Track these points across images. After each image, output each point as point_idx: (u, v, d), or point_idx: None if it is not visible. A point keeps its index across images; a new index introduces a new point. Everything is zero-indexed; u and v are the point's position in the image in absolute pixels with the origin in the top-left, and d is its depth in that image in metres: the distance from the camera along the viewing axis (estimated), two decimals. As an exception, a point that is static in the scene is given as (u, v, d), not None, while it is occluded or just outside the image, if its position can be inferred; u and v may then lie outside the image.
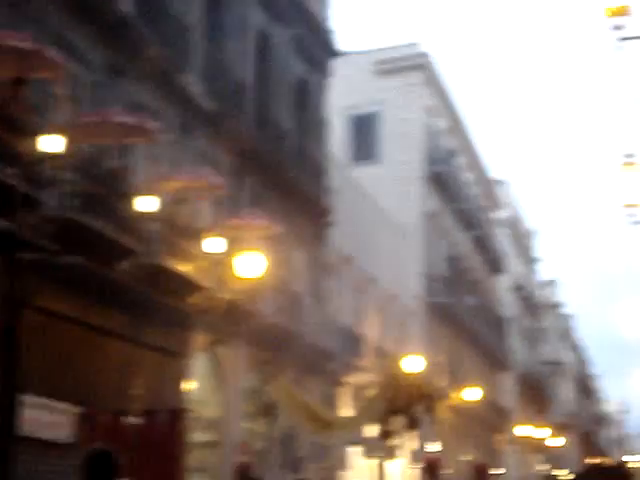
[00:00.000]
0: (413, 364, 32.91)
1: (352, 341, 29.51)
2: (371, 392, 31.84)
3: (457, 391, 39.22)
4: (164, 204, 17.91)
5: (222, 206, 21.98)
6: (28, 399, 14.86)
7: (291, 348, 24.06)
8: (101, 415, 11.85)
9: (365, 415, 14.51)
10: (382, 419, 14.01)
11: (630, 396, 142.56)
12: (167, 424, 11.41)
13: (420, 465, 27.70)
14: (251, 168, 23.25)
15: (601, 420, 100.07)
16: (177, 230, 18.07)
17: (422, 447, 30.12)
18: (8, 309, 14.50)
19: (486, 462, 44.63)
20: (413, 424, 14.94)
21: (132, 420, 11.16)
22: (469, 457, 44.63)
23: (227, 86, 22.37)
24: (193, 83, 20.74)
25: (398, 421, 14.75)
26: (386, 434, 14.15)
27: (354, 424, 14.82)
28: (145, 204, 16.62)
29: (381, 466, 27.31)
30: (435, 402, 15.77)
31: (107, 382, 16.77)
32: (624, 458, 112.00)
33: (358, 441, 15.24)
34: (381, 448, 15.99)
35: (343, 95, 37.64)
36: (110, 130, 15.90)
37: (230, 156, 22.47)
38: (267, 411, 14.77)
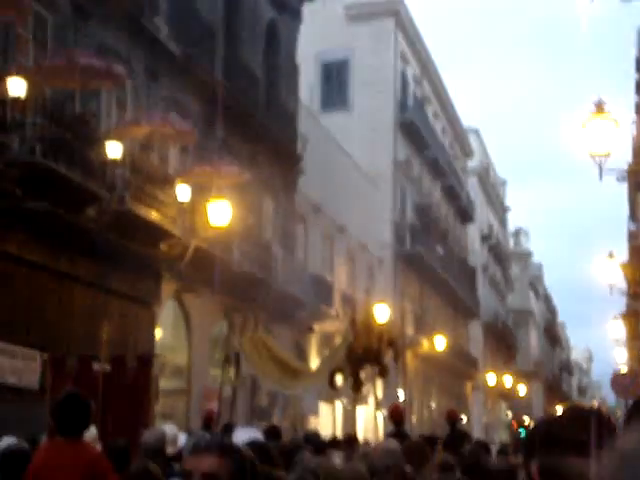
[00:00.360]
0: (381, 312, 33.15)
1: (321, 289, 29.52)
2: (339, 340, 32.05)
3: (425, 339, 39.48)
4: (131, 150, 17.74)
5: (190, 153, 21.80)
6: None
7: (260, 296, 24.03)
8: (69, 361, 11.78)
9: (333, 364, 14.43)
10: (352, 368, 13.95)
11: (595, 345, 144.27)
12: (135, 370, 11.34)
13: (385, 412, 27.96)
14: (220, 114, 23.01)
15: (566, 368, 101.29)
16: (145, 177, 17.87)
17: (390, 394, 30.35)
18: (-27, 255, 14.37)
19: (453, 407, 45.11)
20: (383, 372, 14.89)
21: (100, 366, 11.09)
22: (436, 404, 45.11)
23: (196, 30, 22.05)
24: (161, 27, 20.42)
25: (368, 370, 14.71)
26: (357, 383, 14.13)
27: (323, 373, 14.75)
28: (112, 150, 16.42)
29: (353, 412, 27.51)
30: (403, 350, 15.71)
31: (74, 329, 16.71)
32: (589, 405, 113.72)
33: (326, 389, 15.31)
34: (349, 395, 15.94)
35: (314, 41, 37.27)
36: (76, 74, 15.64)
37: (199, 102, 22.22)
38: (236, 360, 14.65)
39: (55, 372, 11.42)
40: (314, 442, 11.18)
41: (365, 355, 14.06)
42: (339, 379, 14.51)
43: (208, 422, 13.64)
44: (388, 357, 15.44)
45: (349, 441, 11.74)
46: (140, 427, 10.48)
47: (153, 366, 12.60)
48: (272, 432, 10.29)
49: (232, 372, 14.98)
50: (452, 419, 15.00)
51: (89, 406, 6.29)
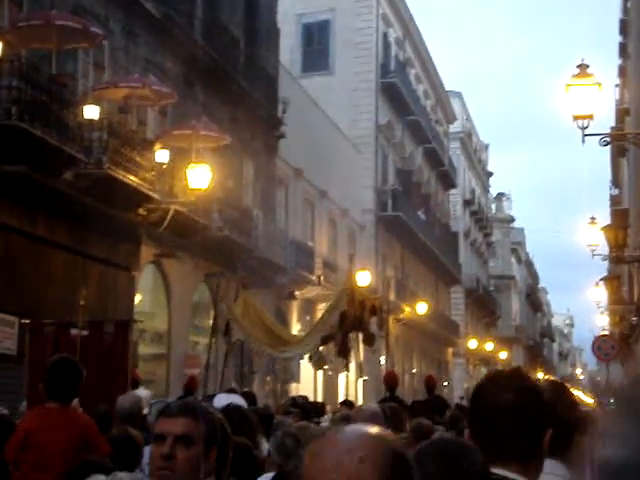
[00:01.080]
0: (363, 279, 33.09)
1: (302, 255, 29.41)
2: (321, 306, 31.99)
3: (407, 305, 39.49)
4: (109, 113, 17.48)
5: (169, 116, 21.54)
6: (-31, 310, 14.62)
7: (240, 261, 23.89)
8: (47, 326, 11.65)
9: (320, 331, 14.45)
10: (339, 335, 13.97)
11: (576, 310, 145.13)
12: (114, 335, 11.25)
13: (365, 378, 28.06)
14: (199, 76, 22.73)
15: (548, 334, 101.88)
16: (123, 140, 17.62)
17: (371, 360, 30.36)
18: (-53, 219, 14.16)
19: (434, 374, 45.32)
20: (368, 340, 14.98)
21: (78, 331, 10.98)
22: (417, 370, 45.24)
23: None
24: (139, -13, 20.09)
25: (355, 337, 14.77)
26: (344, 350, 14.17)
27: (310, 341, 14.79)
28: (89, 112, 16.16)
29: (335, 378, 27.54)
30: (388, 317, 15.75)
31: (52, 294, 16.53)
32: (569, 370, 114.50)
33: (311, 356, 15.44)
34: (334, 362, 15.95)
35: (294, 2, 36.94)
36: (52, 34, 15.39)
37: (178, 64, 21.92)
38: (226, 325, 14.61)
39: (33, 338, 11.31)
40: (302, 406, 11.17)
41: (352, 322, 14.05)
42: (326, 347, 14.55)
43: (190, 389, 13.55)
44: (373, 324, 15.45)
45: (347, 404, 11.84)
46: (119, 393, 10.42)
47: (132, 331, 12.45)
48: (247, 397, 10.18)
49: (223, 338, 14.93)
50: (430, 385, 15.11)
51: (81, 372, 6.25)
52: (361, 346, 15.79)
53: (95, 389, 10.10)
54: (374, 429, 1.73)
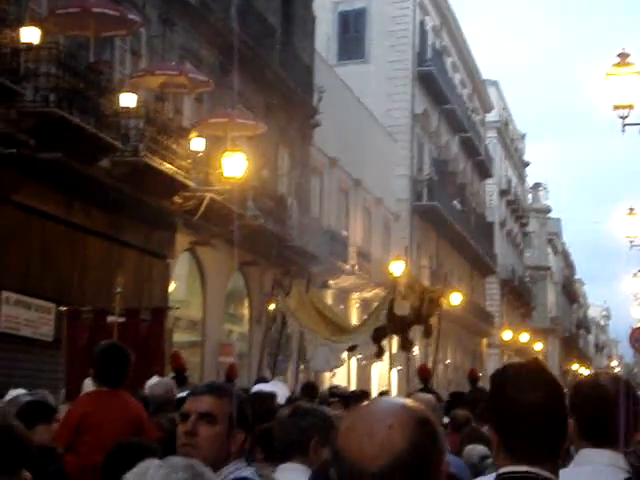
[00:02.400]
0: (397, 268, 32.98)
1: (336, 244, 29.37)
2: (355, 296, 31.98)
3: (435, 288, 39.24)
4: (146, 101, 17.53)
5: (205, 104, 21.56)
6: (7, 296, 14.74)
7: (275, 250, 23.90)
8: (84, 313, 11.73)
9: (373, 324, 14.65)
10: (401, 329, 14.23)
11: (613, 302, 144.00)
12: (150, 323, 11.30)
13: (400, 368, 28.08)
14: (235, 64, 22.69)
15: (584, 325, 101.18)
16: (159, 128, 17.67)
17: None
18: (-15, 205, 14.27)
19: (468, 364, 45.17)
20: (427, 332, 15.37)
21: (115, 319, 11.04)
22: (451, 361, 45.09)
23: (211, -21, 21.70)
24: (176, -25, 20.10)
25: (416, 330, 15.08)
26: (406, 344, 14.51)
27: (365, 331, 14.96)
28: (126, 100, 16.22)
29: (368, 369, 27.42)
30: (441, 307, 15.96)
31: (88, 281, 16.66)
32: (605, 363, 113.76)
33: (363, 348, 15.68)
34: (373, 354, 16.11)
35: (331, -10, 36.87)
36: (90, 22, 15.45)
37: (214, 52, 21.91)
38: (282, 318, 14.83)
39: (70, 324, 11.38)
40: (342, 395, 11.18)
41: (412, 315, 14.35)
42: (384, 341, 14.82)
43: (230, 377, 13.55)
44: (434, 318, 15.76)
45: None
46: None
47: (167, 319, 12.49)
48: (306, 389, 10.31)
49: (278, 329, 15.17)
50: (473, 377, 15.27)
51: (129, 357, 6.33)
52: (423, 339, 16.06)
53: (132, 376, 10.20)
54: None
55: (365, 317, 18.51)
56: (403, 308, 13.95)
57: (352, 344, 15.38)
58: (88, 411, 6.05)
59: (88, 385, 8.32)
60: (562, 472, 3.19)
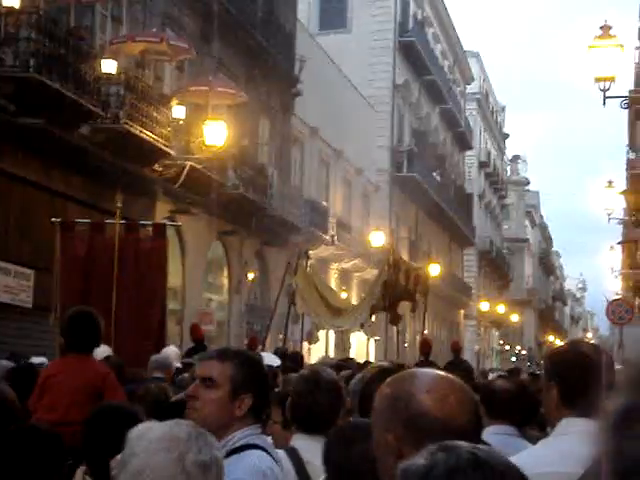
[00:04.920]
0: (376, 238, 33.05)
1: (317, 214, 29.36)
2: (335, 266, 32.04)
3: (419, 265, 39.40)
4: (126, 67, 17.40)
5: (186, 72, 21.44)
6: (-14, 263, 14.67)
7: (255, 220, 23.88)
8: (78, 225, 11.52)
9: (369, 302, 15.38)
10: (390, 305, 14.84)
11: (589, 275, 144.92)
12: (152, 237, 11.15)
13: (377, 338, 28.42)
14: (217, 33, 22.56)
15: (560, 297, 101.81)
16: (140, 95, 17.56)
17: (380, 321, 30.41)
18: (-36, 170, 14.18)
19: (445, 335, 45.42)
20: (414, 308, 16.24)
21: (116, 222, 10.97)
22: (429, 331, 45.27)
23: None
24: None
25: (404, 306, 15.73)
26: (395, 318, 15.18)
27: (362, 309, 15.67)
28: (107, 66, 16.09)
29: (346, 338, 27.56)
30: (428, 286, 17.01)
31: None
32: (580, 334, 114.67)
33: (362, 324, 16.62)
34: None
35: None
36: (70, -13, 15.30)
37: (195, 19, 21.76)
38: (292, 295, 15.30)
39: (64, 237, 11.13)
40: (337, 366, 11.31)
41: (400, 292, 15.07)
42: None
43: (195, 336, 13.59)
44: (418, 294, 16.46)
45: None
46: (160, 293, 10.66)
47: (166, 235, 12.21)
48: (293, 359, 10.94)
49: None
50: (456, 349, 16.06)
51: (98, 324, 6.35)
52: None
53: (136, 288, 10.28)
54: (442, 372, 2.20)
55: (363, 296, 19.43)
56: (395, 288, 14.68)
57: (357, 323, 16.21)
58: (51, 374, 6.20)
59: (103, 352, 8.45)
60: (543, 441, 3.20)
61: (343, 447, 3.16)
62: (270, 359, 10.32)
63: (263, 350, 13.81)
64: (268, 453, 3.14)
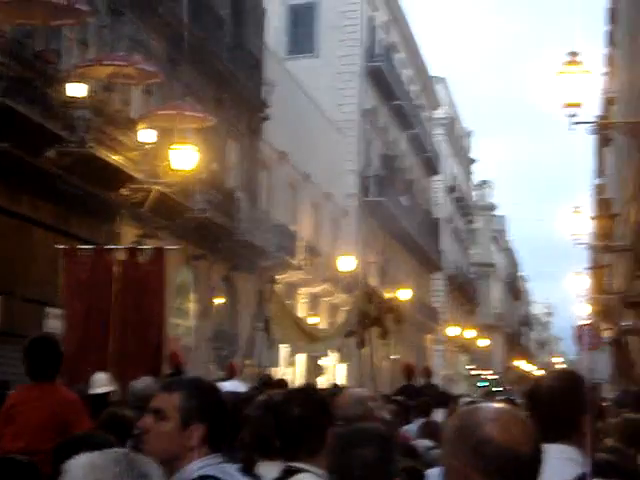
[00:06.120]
0: (346, 263, 33.02)
1: (286, 239, 29.29)
2: (303, 291, 31.96)
3: (389, 291, 39.42)
4: (94, 91, 17.29)
5: (154, 95, 21.35)
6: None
7: (223, 244, 23.77)
8: (81, 250, 11.60)
9: (344, 329, 16.20)
10: (359, 330, 15.38)
11: (556, 299, 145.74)
12: (151, 261, 11.27)
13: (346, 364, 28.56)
14: (185, 56, 22.51)
15: (527, 322, 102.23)
16: (107, 118, 17.45)
17: (351, 346, 30.35)
18: None
19: (413, 361, 45.35)
20: (384, 334, 16.77)
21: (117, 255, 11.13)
22: (397, 356, 45.25)
23: (161, -30, 21.48)
24: (125, -35, 19.86)
25: (373, 331, 16.22)
26: (362, 343, 15.70)
27: (335, 336, 16.49)
28: (74, 90, 15.98)
29: (314, 363, 27.45)
30: (402, 315, 17.85)
31: (34, 272, 16.40)
32: (546, 359, 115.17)
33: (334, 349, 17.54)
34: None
35: (281, -17, 36.71)
36: (37, 10, 15.17)
37: (163, 43, 21.72)
38: (266, 323, 15.82)
39: (69, 261, 11.28)
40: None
41: (372, 320, 15.68)
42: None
43: (175, 363, 13.48)
44: (389, 321, 17.03)
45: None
46: (157, 316, 10.69)
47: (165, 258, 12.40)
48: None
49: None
50: (408, 373, 16.08)
51: (59, 350, 6.29)
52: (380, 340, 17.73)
53: (135, 311, 10.56)
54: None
55: (339, 324, 20.81)
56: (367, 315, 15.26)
57: (328, 348, 17.00)
58: (15, 402, 6.16)
59: (100, 379, 8.42)
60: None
61: (341, 452, 3.32)
62: (234, 386, 10.28)
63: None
64: None
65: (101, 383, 8.45)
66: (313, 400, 3.51)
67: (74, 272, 10.94)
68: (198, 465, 3.02)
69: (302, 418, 3.39)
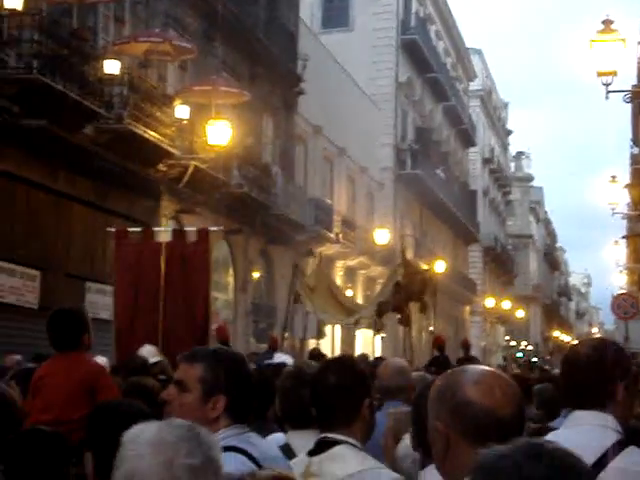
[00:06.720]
0: (381, 236, 33.08)
1: (322, 212, 29.37)
2: (340, 264, 32.05)
3: (425, 263, 39.39)
4: (129, 68, 17.44)
5: (189, 71, 21.47)
6: (-8, 264, 14.72)
7: (260, 218, 23.90)
8: (130, 233, 11.84)
9: (377, 301, 16.16)
10: (400, 304, 15.32)
11: (593, 270, 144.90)
12: (196, 242, 11.52)
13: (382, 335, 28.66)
14: (219, 32, 22.59)
15: (565, 292, 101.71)
16: (143, 95, 17.60)
17: (389, 318, 30.40)
18: (-31, 172, 14.23)
19: (450, 334, 45.36)
20: (423, 308, 16.75)
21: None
22: (434, 328, 45.24)
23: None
24: (159, -59, 19.94)
25: (413, 305, 16.25)
26: (404, 319, 15.70)
27: (369, 308, 16.45)
28: (110, 67, 16.13)
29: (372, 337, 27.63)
30: (436, 287, 17.61)
31: (73, 248, 16.66)
32: (585, 329, 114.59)
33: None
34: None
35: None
36: (73, -12, 15.33)
37: (198, 19, 21.80)
38: (297, 298, 15.95)
39: (118, 244, 11.52)
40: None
41: (410, 294, 15.50)
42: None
43: (221, 338, 13.67)
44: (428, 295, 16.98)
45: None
46: (202, 296, 10.93)
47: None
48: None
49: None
50: (465, 346, 16.36)
51: (82, 319, 6.31)
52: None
53: (182, 290, 10.79)
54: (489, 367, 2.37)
55: (372, 295, 20.49)
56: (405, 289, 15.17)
57: (358, 317, 16.82)
58: (41, 375, 6.23)
59: (148, 350, 8.68)
60: (553, 434, 3.26)
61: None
62: (282, 359, 10.49)
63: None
64: (249, 455, 3.03)
65: (149, 354, 8.66)
66: (350, 369, 3.49)
67: (124, 254, 11.20)
68: (221, 436, 2.98)
69: (338, 387, 3.38)
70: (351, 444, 3.30)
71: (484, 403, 2.15)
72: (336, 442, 3.30)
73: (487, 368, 2.31)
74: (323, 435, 3.36)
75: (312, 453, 3.33)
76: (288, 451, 3.75)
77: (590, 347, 3.25)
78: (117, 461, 2.10)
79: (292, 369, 4.37)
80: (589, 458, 2.55)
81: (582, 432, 2.98)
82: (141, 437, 2.09)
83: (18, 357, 10.75)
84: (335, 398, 3.38)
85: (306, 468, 3.28)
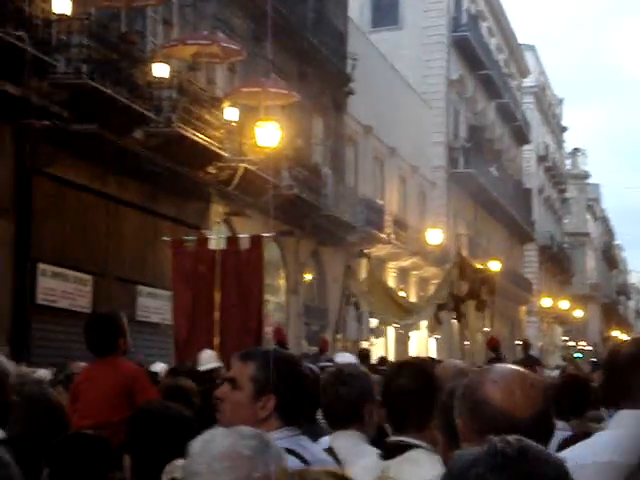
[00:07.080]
0: (434, 236, 32.87)
1: (373, 213, 29.24)
2: (392, 264, 31.89)
3: (479, 263, 39.06)
4: (178, 70, 17.48)
5: (238, 73, 21.47)
6: (44, 268, 14.83)
7: (310, 220, 23.84)
8: (186, 241, 12.03)
9: (435, 301, 16.10)
10: (455, 304, 15.30)
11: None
12: (249, 249, 11.71)
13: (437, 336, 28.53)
14: (268, 33, 22.53)
15: (624, 291, 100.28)
16: (192, 98, 17.63)
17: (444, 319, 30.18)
18: (21, 177, 14.34)
19: (506, 334, 44.95)
20: (480, 307, 16.59)
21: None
22: (490, 329, 44.86)
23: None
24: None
25: (469, 304, 16.11)
26: (460, 316, 15.65)
27: (428, 309, 16.40)
28: (159, 70, 16.19)
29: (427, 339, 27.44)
30: (495, 286, 17.39)
31: (123, 251, 16.73)
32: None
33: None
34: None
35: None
36: (121, -8, 15.41)
37: (246, 21, 21.78)
38: (348, 300, 16.05)
39: (175, 253, 11.83)
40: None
41: (467, 293, 15.43)
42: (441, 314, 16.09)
43: (278, 339, 13.63)
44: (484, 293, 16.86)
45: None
46: (255, 302, 11.27)
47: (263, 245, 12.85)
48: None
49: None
50: (492, 346, 16.10)
51: (117, 324, 6.39)
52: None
53: (236, 296, 11.13)
54: (518, 367, 2.30)
55: (428, 296, 20.48)
56: (461, 288, 15.01)
57: (418, 320, 16.86)
58: (80, 380, 6.37)
59: (207, 356, 8.84)
60: (598, 434, 3.16)
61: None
62: (345, 358, 10.50)
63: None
64: (301, 457, 2.97)
65: (207, 360, 8.76)
66: (423, 372, 3.50)
67: (181, 263, 11.53)
68: (272, 437, 2.98)
69: (411, 391, 3.39)
70: (426, 449, 3.29)
71: (502, 404, 2.12)
72: (410, 446, 3.30)
73: (514, 368, 2.26)
74: (396, 438, 3.37)
75: (385, 457, 3.34)
76: (331, 454, 3.67)
77: (633, 346, 3.15)
78: (186, 475, 2.02)
79: (333, 369, 4.31)
80: (636, 457, 2.45)
81: (632, 434, 2.89)
82: (213, 450, 2.01)
83: (83, 364, 10.80)
84: (408, 401, 3.37)
85: (382, 473, 3.29)
